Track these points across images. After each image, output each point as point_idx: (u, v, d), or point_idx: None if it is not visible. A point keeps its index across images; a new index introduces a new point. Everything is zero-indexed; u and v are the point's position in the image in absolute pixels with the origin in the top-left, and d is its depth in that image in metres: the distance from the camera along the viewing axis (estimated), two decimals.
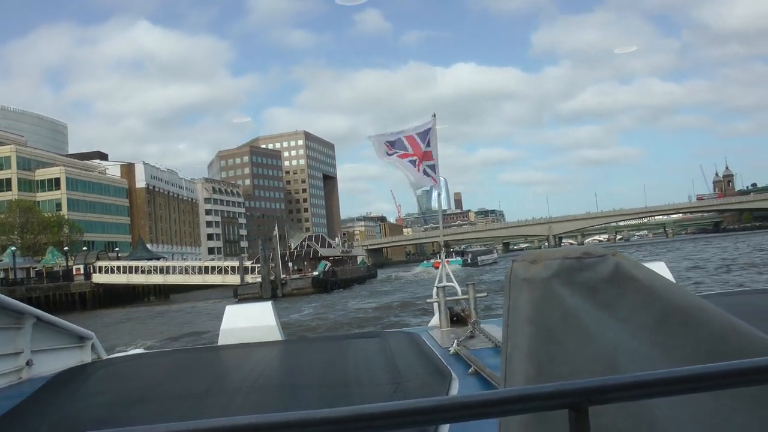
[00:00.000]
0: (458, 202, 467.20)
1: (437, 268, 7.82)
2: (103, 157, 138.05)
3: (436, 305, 6.44)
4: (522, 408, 1.10)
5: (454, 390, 3.38)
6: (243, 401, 3.60)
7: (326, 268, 78.23)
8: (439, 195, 8.86)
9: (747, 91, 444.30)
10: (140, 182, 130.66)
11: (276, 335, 6.05)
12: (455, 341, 4.52)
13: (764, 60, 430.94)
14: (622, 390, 1.08)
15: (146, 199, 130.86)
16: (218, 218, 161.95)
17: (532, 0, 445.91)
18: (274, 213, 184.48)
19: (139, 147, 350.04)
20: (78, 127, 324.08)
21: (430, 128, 8.35)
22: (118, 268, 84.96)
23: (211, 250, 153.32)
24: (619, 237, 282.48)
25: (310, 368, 4.56)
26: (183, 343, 30.02)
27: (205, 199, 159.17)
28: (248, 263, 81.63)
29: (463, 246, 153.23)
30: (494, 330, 4.80)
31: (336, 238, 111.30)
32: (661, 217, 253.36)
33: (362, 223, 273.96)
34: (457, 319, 6.10)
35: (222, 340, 6.04)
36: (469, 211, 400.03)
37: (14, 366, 4.90)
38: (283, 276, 72.91)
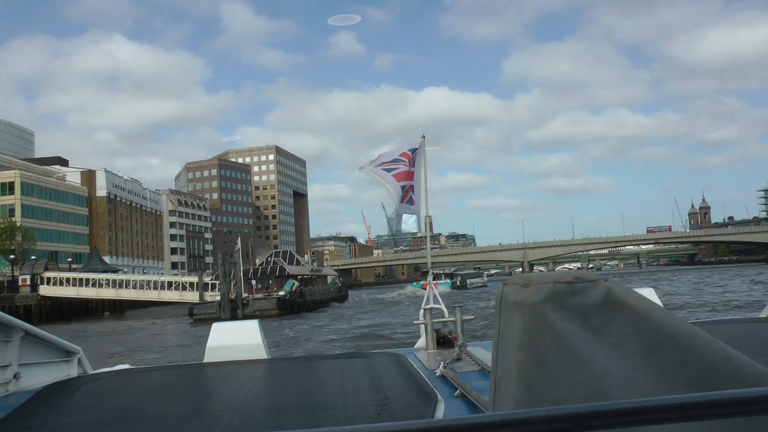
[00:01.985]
0: (430, 225, 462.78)
1: (426, 289, 7.71)
2: (64, 163, 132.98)
3: (422, 327, 6.39)
4: None
5: (440, 412, 3.35)
6: (228, 422, 3.56)
7: (294, 287, 73.66)
8: (428, 218, 8.74)
9: (718, 124, 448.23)
10: (101, 190, 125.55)
11: (262, 353, 5.97)
12: (441, 363, 4.50)
13: (735, 94, 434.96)
14: (614, 416, 1.07)
15: (107, 209, 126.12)
16: (183, 232, 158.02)
17: (503, 27, 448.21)
18: (242, 228, 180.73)
19: (111, 160, 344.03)
20: (49, 138, 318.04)
21: (416, 148, 8.28)
22: (68, 280, 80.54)
23: (174, 265, 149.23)
24: (590, 266, 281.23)
25: (295, 388, 4.54)
26: (168, 359, 30.38)
27: (170, 211, 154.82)
28: (208, 279, 77.35)
29: (453, 269, 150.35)
30: (481, 353, 4.79)
31: (305, 256, 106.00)
32: (632, 247, 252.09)
33: (332, 242, 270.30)
34: (443, 341, 6.08)
35: (208, 357, 5.95)
36: (440, 234, 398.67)
37: (2, 378, 4.97)
38: (245, 295, 67.99)
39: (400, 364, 4.96)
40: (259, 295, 69.87)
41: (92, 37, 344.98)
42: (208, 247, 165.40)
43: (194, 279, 79.67)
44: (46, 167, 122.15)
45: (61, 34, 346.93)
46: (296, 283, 77.03)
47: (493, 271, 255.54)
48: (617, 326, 1.50)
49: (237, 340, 6.04)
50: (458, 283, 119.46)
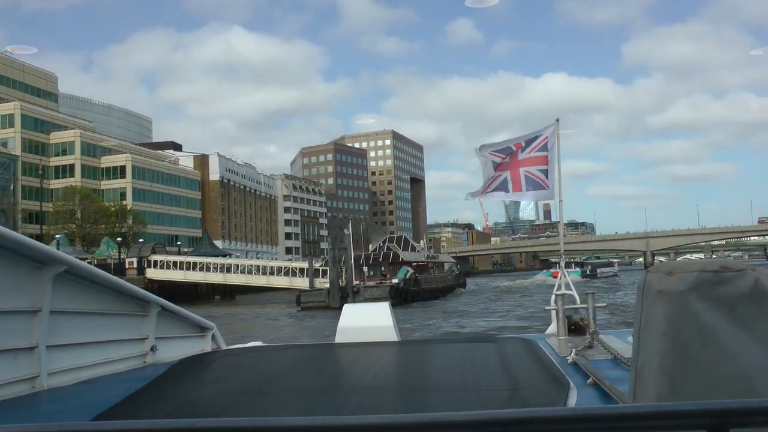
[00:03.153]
0: (547, 213, 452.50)
1: (556, 277, 7.64)
2: (177, 147, 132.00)
3: (554, 313, 6.52)
4: (656, 425, 1.05)
5: (572, 400, 3.35)
6: (360, 401, 3.64)
7: (408, 274, 69.42)
8: (560, 202, 8.56)
9: None
10: (214, 174, 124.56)
11: (392, 336, 6.11)
12: (573, 350, 4.52)
13: None
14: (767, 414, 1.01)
15: (220, 193, 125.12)
16: (298, 217, 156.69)
17: (622, 11, 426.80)
18: (358, 214, 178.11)
19: (230, 148, 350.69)
20: (168, 127, 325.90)
21: (538, 135, 8.21)
22: (174, 263, 78.82)
23: (288, 250, 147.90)
24: (713, 257, 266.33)
25: (426, 370, 4.67)
26: (303, 338, 31.63)
27: (285, 196, 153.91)
28: (319, 265, 73.48)
29: (583, 257, 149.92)
30: (614, 342, 4.82)
31: (421, 242, 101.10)
32: (757, 238, 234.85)
33: (449, 229, 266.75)
34: (575, 328, 6.15)
35: (339, 338, 6.12)
36: (558, 222, 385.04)
37: (140, 351, 5.29)
38: (355, 282, 64.61)
39: (531, 350, 4.95)
40: (371, 283, 66.88)
41: (212, 29, 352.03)
42: (323, 232, 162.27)
43: (304, 264, 76.75)
44: (159, 152, 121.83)
45: (182, 27, 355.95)
46: (411, 270, 72.24)
47: (614, 261, 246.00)
48: (766, 319, 1.43)
49: (368, 321, 6.21)
50: (588, 272, 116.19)
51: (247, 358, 5.33)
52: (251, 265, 78.59)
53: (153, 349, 5.36)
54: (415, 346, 6.13)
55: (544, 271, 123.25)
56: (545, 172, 8.14)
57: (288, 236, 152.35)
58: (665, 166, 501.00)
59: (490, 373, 4.20)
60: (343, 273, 64.57)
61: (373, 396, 3.68)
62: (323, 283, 65.77)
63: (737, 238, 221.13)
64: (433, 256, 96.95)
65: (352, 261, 66.01)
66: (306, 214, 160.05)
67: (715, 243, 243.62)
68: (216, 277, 78.63)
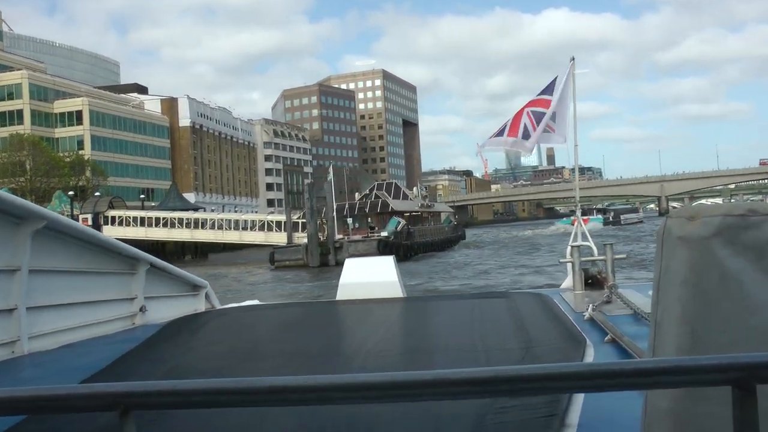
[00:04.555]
0: (551, 158, 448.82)
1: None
2: (142, 90, 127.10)
3: (569, 265, 6.47)
4: (678, 381, 1.04)
5: (589, 359, 3.38)
6: (363, 362, 3.71)
7: (399, 226, 68.23)
8: (576, 147, 8.33)
9: None
10: (184, 120, 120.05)
11: (397, 292, 6.24)
12: (590, 305, 4.56)
13: None
14: None
15: (191, 140, 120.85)
16: (280, 166, 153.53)
17: None
18: (346, 161, 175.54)
19: (209, 94, 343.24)
20: (142, 73, 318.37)
21: (552, 83, 8.27)
22: (135, 219, 76.90)
23: (270, 203, 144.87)
24: (732, 201, 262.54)
25: (433, 329, 4.78)
26: (302, 295, 33.43)
27: (265, 143, 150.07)
28: (297, 217, 71.25)
29: (606, 203, 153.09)
30: (634, 296, 4.82)
31: (414, 189, 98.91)
32: None
33: (446, 176, 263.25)
34: (592, 282, 6.22)
35: (340, 295, 6.37)
36: (563, 167, 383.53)
37: (128, 311, 5.39)
38: (339, 236, 63.54)
39: (545, 305, 5.01)
40: (356, 237, 65.56)
41: None
42: (308, 182, 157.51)
43: (282, 217, 74.49)
44: (122, 95, 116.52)
45: None
46: (402, 222, 70.73)
47: (637, 206, 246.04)
48: None
49: (371, 276, 6.38)
50: (611, 219, 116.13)
51: (242, 318, 5.52)
52: (221, 220, 76.55)
53: (142, 309, 5.42)
54: (422, 302, 6.52)
55: (563, 219, 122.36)
56: (550, 116, 8.06)
57: (269, 187, 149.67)
58: (676, 106, 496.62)
59: (501, 331, 4.25)
60: (325, 226, 62.53)
61: (376, 357, 3.73)
62: (303, 238, 63.68)
63: (759, 180, 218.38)
64: (428, 204, 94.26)
65: (335, 212, 63.96)
66: (289, 163, 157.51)
67: (733, 186, 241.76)
68: (182, 234, 76.70)
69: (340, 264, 44.89)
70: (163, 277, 5.82)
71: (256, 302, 6.74)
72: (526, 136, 8.02)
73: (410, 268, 48.00)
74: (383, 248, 59.29)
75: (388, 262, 6.50)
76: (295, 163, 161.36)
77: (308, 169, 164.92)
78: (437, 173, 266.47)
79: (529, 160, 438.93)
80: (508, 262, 51.19)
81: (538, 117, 8.03)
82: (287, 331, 5.01)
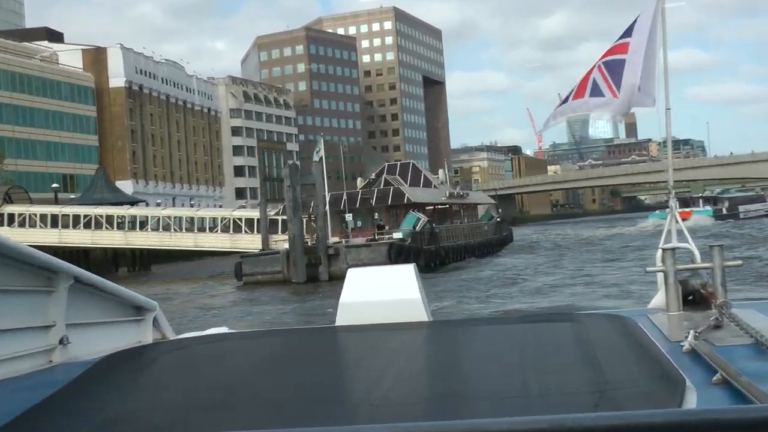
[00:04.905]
0: (631, 128, 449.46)
1: (685, 219, 7.97)
2: (55, 37, 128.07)
3: (660, 276, 6.54)
4: None
5: (691, 405, 3.42)
6: (374, 410, 3.80)
7: (418, 224, 69.29)
8: (668, 111, 8.29)
9: None
10: (116, 78, 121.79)
11: (420, 314, 6.31)
12: (691, 332, 4.56)
13: None
14: None
15: (127, 107, 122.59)
16: (253, 142, 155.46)
17: None
18: (345, 134, 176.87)
19: (154, 44, 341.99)
20: (64, 18, 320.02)
21: (632, 25, 8.38)
22: (43, 217, 77.98)
23: (240, 193, 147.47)
24: None
25: (471, 365, 4.83)
26: (286, 322, 36.23)
27: (232, 110, 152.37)
28: (275, 213, 72.99)
29: (717, 190, 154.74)
30: (754, 319, 4.89)
31: (440, 172, 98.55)
32: None
33: (484, 155, 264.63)
34: (693, 299, 6.28)
35: (341, 319, 6.38)
36: (649, 141, 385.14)
37: (43, 344, 5.24)
38: (334, 240, 65.26)
39: (627, 332, 5.09)
40: (359, 240, 66.87)
41: None
42: (291, 163, 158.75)
43: (254, 213, 75.57)
44: (26, 44, 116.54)
45: None
46: (423, 219, 71.57)
47: (737, 194, 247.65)
48: None
49: (383, 293, 6.37)
50: (725, 212, 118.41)
51: (206, 352, 5.51)
52: (169, 218, 77.18)
53: (63, 341, 5.29)
54: (453, 329, 6.39)
55: (657, 212, 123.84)
56: (632, 68, 8.13)
57: (239, 172, 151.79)
58: None
59: (564, 368, 4.31)
60: (314, 226, 64.51)
61: (392, 405, 3.80)
62: (284, 242, 65.13)
63: None
64: (459, 194, 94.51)
65: (327, 206, 64.39)
66: (266, 138, 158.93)
67: None
68: (113, 238, 77.61)
69: (335, 278, 54.02)
70: (94, 296, 5.70)
71: (224, 330, 6.66)
72: (597, 93, 8.17)
73: (434, 285, 48.63)
74: (396, 256, 59.93)
75: (408, 272, 6.48)
76: (275, 139, 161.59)
77: (293, 146, 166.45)
78: (472, 150, 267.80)
79: (599, 131, 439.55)
80: (574, 275, 51.86)
81: (615, 68, 8.13)
82: (269, 369, 5.02)
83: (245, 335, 6.61)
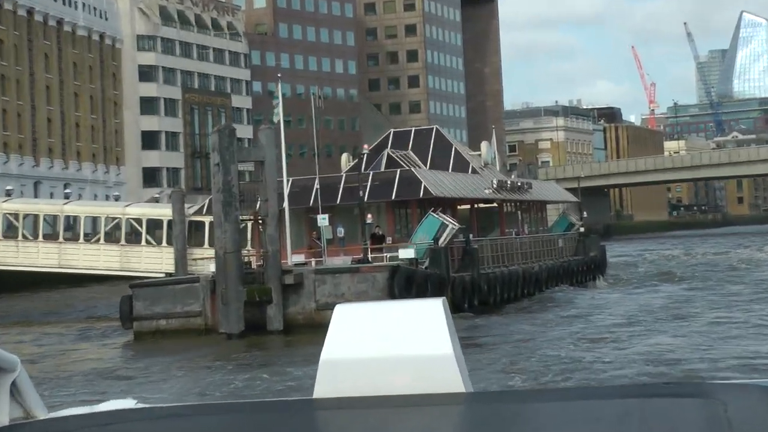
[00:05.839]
0: None
1: None
2: None
3: None
4: None
5: None
6: None
7: (442, 234, 69.55)
8: None
9: None
10: None
11: (453, 379, 5.76)
12: None
13: None
14: None
15: None
16: (177, 92, 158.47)
17: None
18: (330, 83, 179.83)
19: None
20: None
21: None
22: None
23: (151, 176, 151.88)
24: None
25: None
26: (242, 390, 39.36)
27: (142, 38, 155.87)
28: (194, 211, 77.11)
29: None
30: None
31: (483, 146, 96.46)
32: None
33: (559, 122, 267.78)
34: None
35: (324, 388, 5.84)
36: None
37: None
38: (297, 259, 67.46)
39: None
40: (339, 260, 69.65)
41: None
42: (244, 129, 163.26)
43: (163, 212, 79.62)
44: None
45: None
46: (452, 225, 71.42)
47: None
48: None
49: (394, 345, 5.93)
50: None
51: None
52: (13, 215, 79.49)
53: None
54: (513, 406, 5.90)
55: None
56: None
57: (150, 141, 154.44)
58: None
59: None
60: (261, 233, 65.97)
61: None
62: (211, 260, 66.97)
63: None
64: (517, 184, 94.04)
65: (286, 200, 67.22)
66: (198, 86, 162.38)
67: None
68: None
69: (297, 328, 55.98)
70: None
71: (131, 404, 6.21)
72: None
73: (469, 343, 50.10)
74: (403, 288, 61.51)
75: (434, 311, 5.69)
76: (212, 88, 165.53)
77: (242, 101, 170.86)
78: (540, 115, 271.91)
79: (755, 85, 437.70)
80: (712, 326, 53.33)
81: None
82: None
83: (165, 412, 5.99)
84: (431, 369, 5.62)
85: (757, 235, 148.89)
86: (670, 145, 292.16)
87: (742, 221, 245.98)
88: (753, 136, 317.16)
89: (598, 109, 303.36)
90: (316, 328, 57.32)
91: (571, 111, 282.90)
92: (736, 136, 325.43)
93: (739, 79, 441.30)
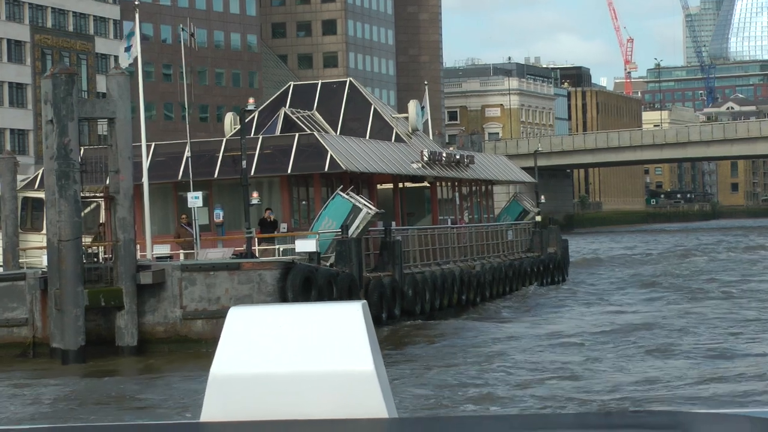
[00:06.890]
0: None
1: None
2: None
3: None
4: None
5: None
6: None
7: (353, 222, 70.96)
8: None
9: None
10: None
11: (374, 402, 6.19)
12: None
13: None
14: None
15: None
16: (24, 31, 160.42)
17: None
18: (221, 25, 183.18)
19: None
20: None
21: None
22: None
23: None
24: None
25: None
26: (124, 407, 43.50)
27: None
28: (25, 184, 76.91)
29: None
30: None
31: (412, 106, 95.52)
32: None
33: (512, 83, 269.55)
34: None
35: (213, 409, 6.27)
36: None
37: None
38: (161, 251, 69.32)
39: None
40: (216, 253, 72.37)
41: None
42: (101, 85, 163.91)
43: None
44: None
45: None
46: (367, 209, 72.58)
47: None
48: None
49: (302, 359, 6.40)
50: None
51: None
52: None
53: None
54: None
55: None
56: None
57: None
58: None
59: None
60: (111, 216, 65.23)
61: None
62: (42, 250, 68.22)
63: None
64: (455, 158, 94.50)
65: (145, 172, 68.11)
66: (52, 25, 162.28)
67: None
68: None
69: (155, 345, 65.06)
70: None
71: None
72: None
73: (393, 354, 55.43)
74: (299, 290, 62.15)
75: (352, 317, 6.07)
76: (70, 28, 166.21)
77: (107, 45, 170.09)
78: (488, 74, 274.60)
79: (754, 45, 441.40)
80: (700, 341, 57.81)
81: None
82: None
83: None
84: (347, 389, 5.79)
85: (754, 231, 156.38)
86: (650, 117, 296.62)
87: (734, 213, 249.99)
88: (752, 108, 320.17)
89: (562, 69, 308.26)
90: (182, 344, 61.01)
91: (528, 70, 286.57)
92: (732, 108, 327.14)
93: (737, 37, 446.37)
